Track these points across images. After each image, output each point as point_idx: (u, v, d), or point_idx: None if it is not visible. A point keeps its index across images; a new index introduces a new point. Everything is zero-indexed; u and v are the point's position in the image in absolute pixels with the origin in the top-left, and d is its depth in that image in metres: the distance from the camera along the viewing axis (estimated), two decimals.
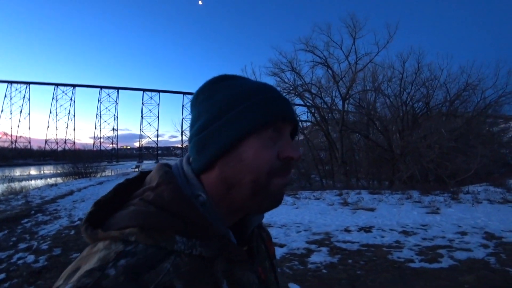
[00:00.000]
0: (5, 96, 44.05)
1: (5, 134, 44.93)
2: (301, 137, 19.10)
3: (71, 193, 11.46)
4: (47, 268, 3.51)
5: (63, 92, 48.28)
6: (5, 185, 14.88)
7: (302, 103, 17.61)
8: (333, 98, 17.15)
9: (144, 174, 0.44)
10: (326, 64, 15.60)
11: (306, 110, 18.53)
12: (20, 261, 3.74)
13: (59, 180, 18.65)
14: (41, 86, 49.40)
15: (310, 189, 11.29)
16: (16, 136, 45.63)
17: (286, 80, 16.69)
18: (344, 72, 15.90)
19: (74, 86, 49.32)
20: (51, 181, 18.76)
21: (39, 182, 18.34)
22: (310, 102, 17.28)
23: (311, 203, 7.48)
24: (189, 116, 0.45)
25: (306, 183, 16.99)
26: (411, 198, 7.53)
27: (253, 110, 0.39)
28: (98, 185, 14.47)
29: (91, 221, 0.36)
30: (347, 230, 4.98)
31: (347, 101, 16.62)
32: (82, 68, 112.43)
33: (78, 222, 5.97)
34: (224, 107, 0.40)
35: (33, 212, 7.57)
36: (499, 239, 4.23)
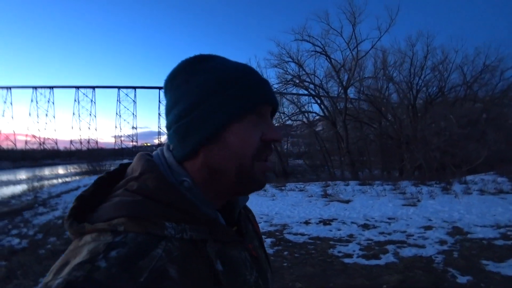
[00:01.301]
0: (32, 101, 47.75)
1: (34, 136, 48.80)
2: (303, 129, 18.72)
3: (76, 188, 12.23)
4: (25, 248, 4.17)
5: (84, 94, 51.21)
6: (30, 184, 16.19)
7: (306, 93, 17.18)
8: (339, 87, 16.45)
9: (124, 166, 0.44)
10: (324, 52, 14.99)
11: (313, 100, 18.00)
12: (7, 243, 4.40)
13: (77, 177, 19.96)
14: (64, 90, 52.85)
15: (315, 180, 10.92)
16: (44, 138, 49.55)
17: (290, 71, 16.26)
18: (346, 60, 15.19)
19: (93, 87, 52.06)
20: (68, 179, 20.12)
21: (60, 180, 19.74)
22: (315, 92, 16.78)
23: (291, 194, 7.37)
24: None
25: (316, 175, 16.64)
26: (399, 189, 7.13)
27: (238, 96, 0.39)
28: None
29: (75, 216, 0.36)
30: (306, 223, 4.87)
31: (356, 90, 16.01)
32: (101, 69, 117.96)
33: None
34: (206, 93, 0.39)
35: (36, 205, 8.30)
36: (464, 234, 3.91)
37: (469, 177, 7.84)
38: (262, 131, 0.41)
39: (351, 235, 4.13)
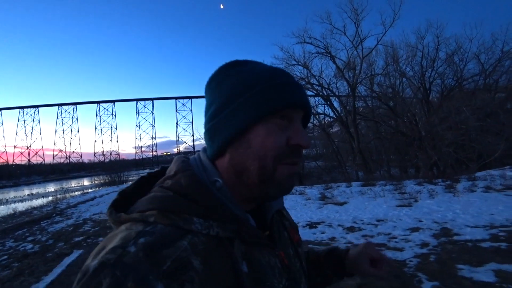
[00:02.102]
0: (57, 118, 51.50)
1: (60, 151, 52.53)
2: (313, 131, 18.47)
3: (93, 199, 12.99)
4: (36, 252, 4.82)
5: (104, 108, 54.20)
6: (55, 196, 17.37)
7: (317, 95, 17.04)
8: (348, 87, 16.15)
9: (164, 168, 0.47)
10: (328, 53, 14.83)
11: (323, 102, 17.80)
12: (22, 248, 5.16)
13: (97, 188, 21.14)
14: (86, 105, 56.42)
15: (328, 182, 10.73)
16: (70, 152, 53.12)
17: (298, 74, 16.21)
18: (351, 58, 14.92)
19: (113, 101, 54.99)
20: (90, 190, 21.35)
21: (79, 192, 21.02)
22: (323, 93, 16.60)
23: (289, 198, 7.36)
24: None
25: (331, 177, 16.38)
26: (400, 189, 6.89)
27: (259, 98, 0.40)
28: None
29: (116, 207, 0.40)
30: None
31: (366, 88, 15.66)
32: (120, 83, 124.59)
33: (81, 221, 7.37)
34: (233, 94, 0.41)
35: (54, 215, 8.99)
36: (451, 236, 3.75)
37: (480, 173, 7.39)
38: (288, 135, 0.41)
39: (332, 238, 4.11)
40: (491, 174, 6.84)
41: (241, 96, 0.40)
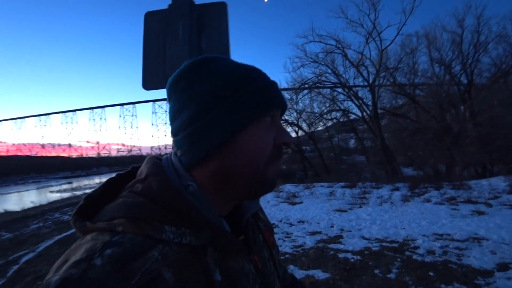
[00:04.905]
0: (120, 116, 60.59)
1: (124, 145, 62.36)
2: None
3: None
4: (66, 221, 7.28)
5: (159, 106, 61.13)
6: None
7: (336, 90, 17.03)
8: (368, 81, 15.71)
9: (135, 168, 0.45)
10: (341, 49, 14.68)
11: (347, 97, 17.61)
12: (62, 218, 7.98)
13: None
14: (144, 104, 64.86)
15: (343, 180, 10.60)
16: (131, 146, 63.47)
17: (317, 71, 16.21)
18: (368, 52, 14.50)
19: (167, 100, 61.66)
20: None
21: None
22: (343, 90, 16.46)
23: (264, 197, 8.30)
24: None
25: (355, 173, 16.27)
26: (370, 193, 7.20)
27: (248, 100, 0.39)
28: None
29: (81, 214, 0.37)
30: None
31: (388, 82, 15.00)
32: None
33: None
34: (214, 98, 0.39)
35: None
36: (328, 243, 4.11)
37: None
38: (274, 135, 0.42)
39: None
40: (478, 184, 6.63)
41: (228, 98, 0.39)
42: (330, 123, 19.66)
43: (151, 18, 1.47)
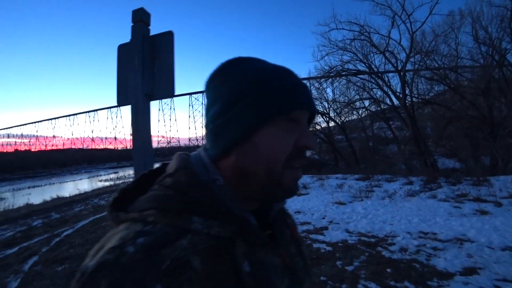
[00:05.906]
0: (159, 110, 65.86)
1: (163, 137, 67.86)
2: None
3: None
4: (102, 205, 8.51)
5: (196, 99, 64.13)
6: None
7: (364, 76, 16.36)
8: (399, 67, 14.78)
9: (166, 164, 0.47)
10: (367, 35, 13.96)
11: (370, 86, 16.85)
12: (99, 203, 9.04)
13: None
14: (180, 97, 68.65)
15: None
16: (170, 137, 68.82)
17: (345, 58, 15.79)
18: (401, 36, 13.57)
19: (202, 92, 64.04)
20: None
21: None
22: (371, 78, 15.75)
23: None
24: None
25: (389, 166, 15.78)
26: (380, 186, 7.15)
27: (267, 99, 0.40)
28: None
29: (115, 205, 0.41)
30: None
31: (423, 67, 13.94)
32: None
33: None
34: (238, 94, 0.41)
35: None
36: (312, 234, 4.37)
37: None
38: (295, 137, 0.42)
39: None
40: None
41: (248, 96, 0.40)
42: (363, 113, 19.02)
43: (121, 49, 1.87)
